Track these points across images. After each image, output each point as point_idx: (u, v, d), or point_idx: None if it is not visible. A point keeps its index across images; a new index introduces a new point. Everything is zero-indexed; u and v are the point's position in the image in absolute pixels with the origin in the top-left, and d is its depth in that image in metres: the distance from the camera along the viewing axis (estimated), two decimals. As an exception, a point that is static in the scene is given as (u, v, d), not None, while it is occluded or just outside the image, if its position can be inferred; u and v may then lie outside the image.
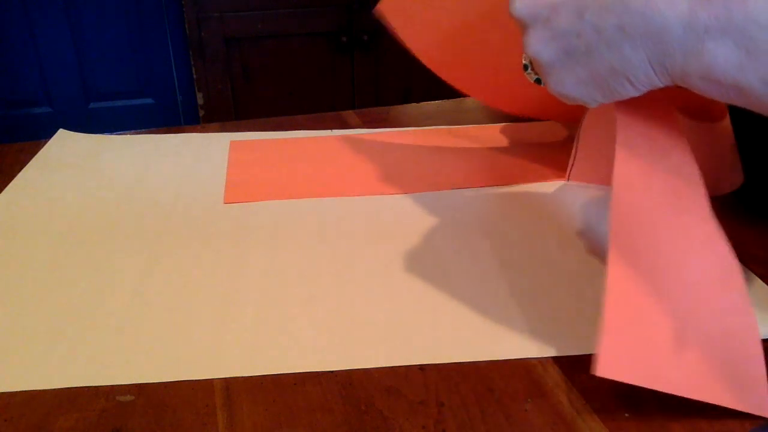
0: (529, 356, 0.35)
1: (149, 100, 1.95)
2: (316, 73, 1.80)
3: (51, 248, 0.45)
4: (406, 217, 0.49)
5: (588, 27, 0.31)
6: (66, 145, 0.63)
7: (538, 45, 0.34)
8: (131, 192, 0.54)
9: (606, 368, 0.31)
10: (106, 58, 1.86)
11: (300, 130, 0.66)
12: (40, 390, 0.33)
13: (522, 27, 0.35)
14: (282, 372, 0.34)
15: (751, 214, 0.47)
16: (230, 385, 0.33)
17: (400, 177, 0.55)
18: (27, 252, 0.45)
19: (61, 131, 0.66)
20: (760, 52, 0.27)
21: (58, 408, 0.32)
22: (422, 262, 0.43)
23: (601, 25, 0.31)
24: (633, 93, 0.32)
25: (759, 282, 0.40)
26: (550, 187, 0.53)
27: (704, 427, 0.30)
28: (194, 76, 1.73)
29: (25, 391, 0.33)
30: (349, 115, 0.71)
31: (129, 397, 0.32)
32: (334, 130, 0.66)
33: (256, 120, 0.70)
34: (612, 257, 0.32)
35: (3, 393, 0.33)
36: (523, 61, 0.39)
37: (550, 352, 0.35)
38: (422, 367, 0.34)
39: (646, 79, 0.31)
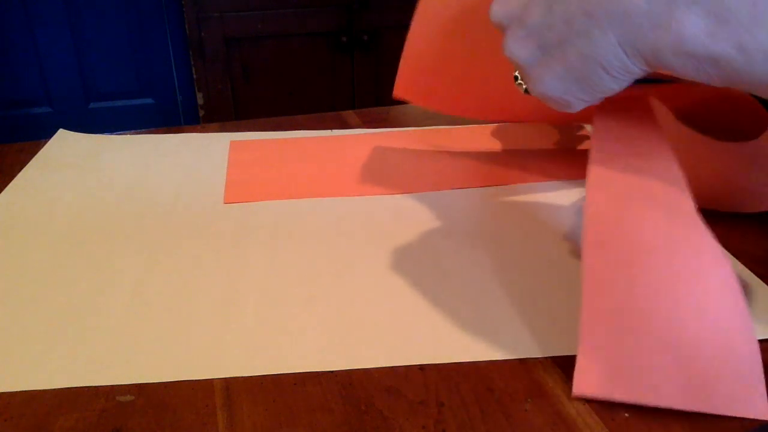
0: (529, 356, 0.35)
1: (149, 100, 1.96)
2: (316, 73, 1.80)
3: (51, 248, 0.45)
4: (405, 217, 0.49)
5: (557, 18, 0.31)
6: (66, 145, 0.63)
7: (514, 45, 0.33)
8: (131, 192, 0.54)
9: (584, 387, 0.30)
10: (106, 58, 1.86)
11: (300, 130, 0.66)
12: (40, 390, 0.33)
13: (501, 31, 0.35)
14: (282, 372, 0.34)
15: (752, 214, 0.47)
16: (230, 385, 0.33)
17: (399, 177, 0.55)
18: (27, 252, 0.45)
19: (61, 131, 0.66)
20: (730, 16, 0.26)
21: (58, 408, 0.32)
22: (422, 261, 0.43)
23: (568, 14, 0.30)
24: (612, 84, 0.31)
25: (759, 282, 0.40)
26: (549, 186, 0.53)
27: (704, 427, 0.30)
28: (194, 76, 1.73)
29: (25, 391, 0.33)
30: (349, 115, 0.71)
31: (129, 397, 0.32)
32: (334, 130, 0.66)
33: (256, 120, 0.70)
34: (587, 267, 0.32)
35: (3, 393, 0.33)
36: (514, 72, 0.38)
37: (550, 352, 0.35)
38: (422, 367, 0.34)
39: (620, 65, 0.30)
